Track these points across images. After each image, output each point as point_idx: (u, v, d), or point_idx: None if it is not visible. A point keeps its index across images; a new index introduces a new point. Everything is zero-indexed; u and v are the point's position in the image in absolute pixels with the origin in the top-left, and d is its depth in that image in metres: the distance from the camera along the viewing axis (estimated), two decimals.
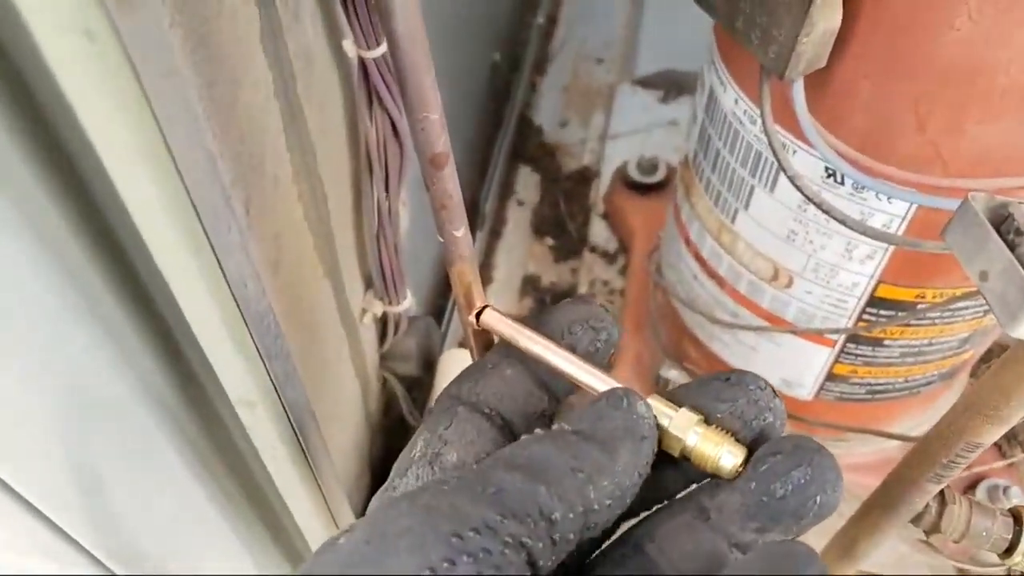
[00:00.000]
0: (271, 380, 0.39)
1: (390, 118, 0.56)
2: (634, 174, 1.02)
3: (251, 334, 0.35)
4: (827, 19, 0.44)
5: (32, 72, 0.23)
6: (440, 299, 0.98)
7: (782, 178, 0.59)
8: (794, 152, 0.56)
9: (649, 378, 0.87)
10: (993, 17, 0.44)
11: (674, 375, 0.84)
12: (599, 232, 1.04)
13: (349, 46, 0.49)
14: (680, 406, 0.30)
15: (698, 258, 0.73)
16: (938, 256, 0.57)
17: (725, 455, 0.29)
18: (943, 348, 0.67)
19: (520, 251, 1.05)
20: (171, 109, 0.25)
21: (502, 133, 1.10)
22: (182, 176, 0.27)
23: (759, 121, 0.58)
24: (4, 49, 0.23)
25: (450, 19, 0.88)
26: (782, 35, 0.44)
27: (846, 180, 0.55)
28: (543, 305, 1.00)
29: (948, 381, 0.76)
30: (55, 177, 0.28)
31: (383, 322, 0.71)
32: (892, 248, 0.57)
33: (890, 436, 0.64)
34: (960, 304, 0.61)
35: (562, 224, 1.06)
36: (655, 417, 0.29)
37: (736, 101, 0.59)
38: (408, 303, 0.69)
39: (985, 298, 0.36)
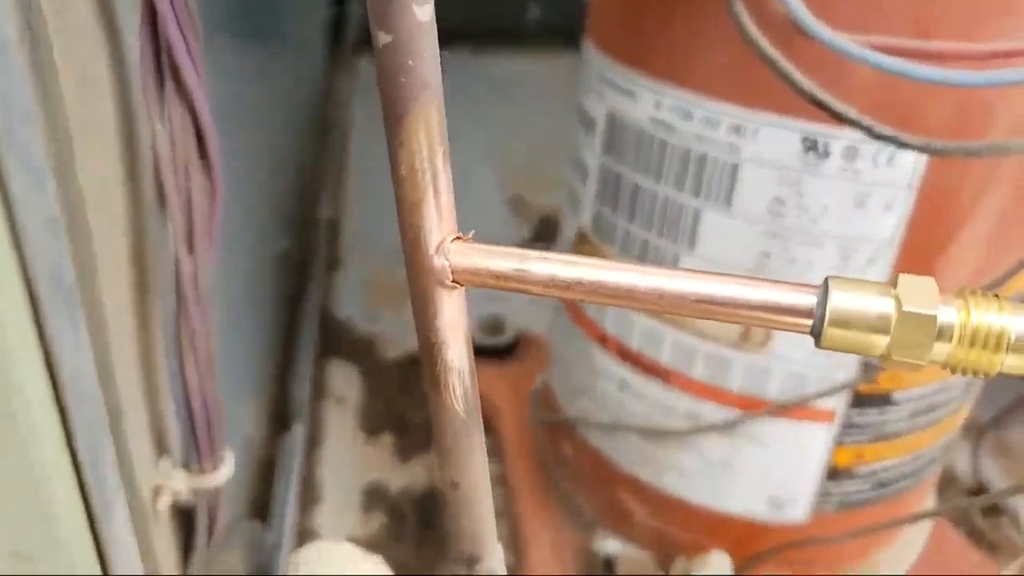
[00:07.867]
0: None
1: (193, 111, 0.35)
2: (481, 339, 0.84)
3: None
4: None
5: None
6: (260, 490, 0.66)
7: (739, 184, 0.46)
8: (756, 132, 0.44)
9: (581, 564, 0.62)
10: None
11: (615, 547, 0.61)
12: None
13: None
14: None
15: (625, 355, 0.56)
16: (951, 246, 0.46)
17: None
18: (949, 397, 0.54)
19: (350, 457, 0.79)
20: None
21: (304, 328, 0.89)
22: None
23: (695, 114, 0.46)
24: None
25: (238, 207, 0.69)
26: None
27: (831, 151, 0.43)
28: (401, 519, 0.73)
29: (929, 487, 0.61)
30: None
31: (187, 515, 0.42)
32: (898, 243, 0.45)
33: (935, 514, 0.46)
34: None
35: (401, 417, 0.83)
36: None
37: (657, 104, 0.47)
38: (228, 469, 0.42)
39: None
